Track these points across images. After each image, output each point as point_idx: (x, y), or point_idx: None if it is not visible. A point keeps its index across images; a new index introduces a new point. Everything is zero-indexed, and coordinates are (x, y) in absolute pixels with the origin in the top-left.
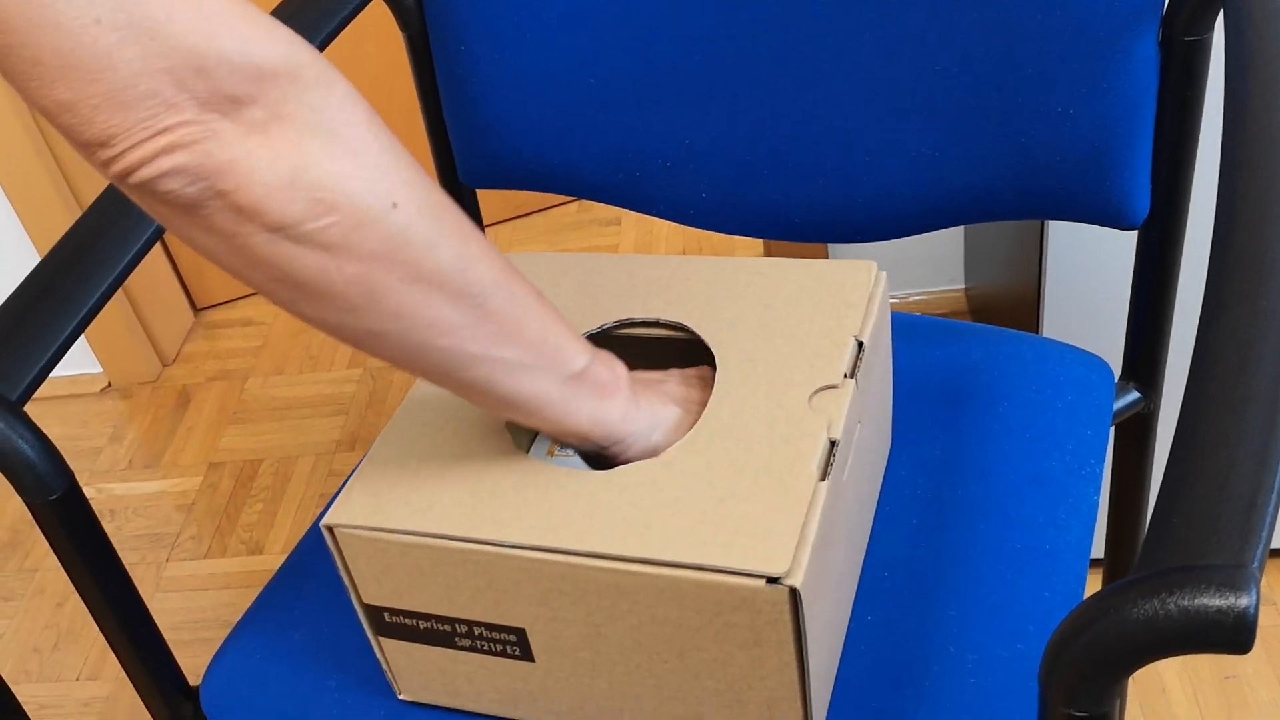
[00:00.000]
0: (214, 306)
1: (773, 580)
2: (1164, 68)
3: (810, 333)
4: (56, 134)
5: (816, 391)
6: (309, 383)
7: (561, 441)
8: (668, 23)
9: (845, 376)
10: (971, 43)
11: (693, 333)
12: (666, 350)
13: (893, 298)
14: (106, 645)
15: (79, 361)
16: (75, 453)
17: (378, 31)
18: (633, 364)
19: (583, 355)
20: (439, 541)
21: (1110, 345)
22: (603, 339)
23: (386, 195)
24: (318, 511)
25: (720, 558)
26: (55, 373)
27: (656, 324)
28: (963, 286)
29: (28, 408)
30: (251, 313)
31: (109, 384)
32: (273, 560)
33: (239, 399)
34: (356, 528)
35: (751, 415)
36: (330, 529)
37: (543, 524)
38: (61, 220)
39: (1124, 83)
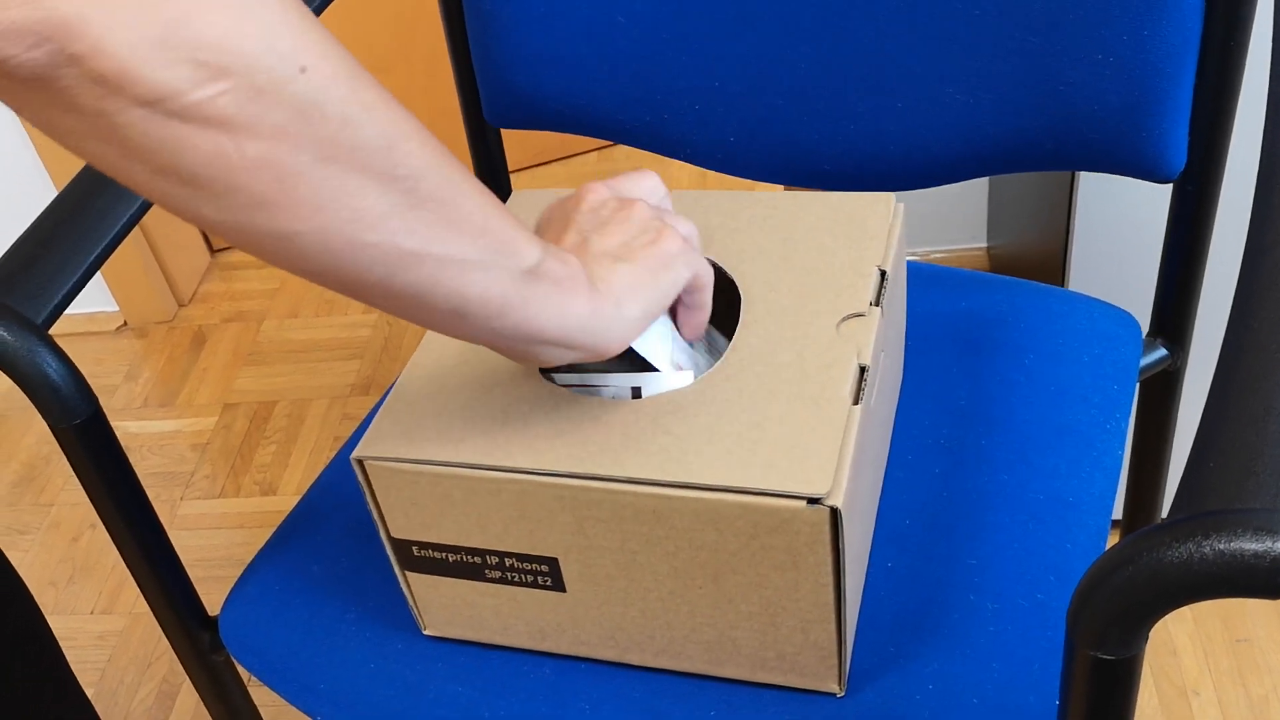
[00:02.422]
0: (231, 248)
1: (813, 501)
2: (1208, 16)
3: (833, 263)
4: None
5: (844, 319)
6: (324, 326)
7: (521, 357)
8: None
9: (871, 305)
10: None
11: (715, 264)
12: None
13: (913, 255)
14: (121, 580)
15: (95, 299)
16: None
17: None
18: None
19: (534, 248)
20: (472, 472)
21: (1136, 300)
22: None
23: (292, 56)
24: (332, 454)
25: (761, 480)
26: (72, 310)
27: None
28: (985, 245)
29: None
30: None
31: (125, 323)
32: (286, 501)
33: (254, 341)
34: (387, 459)
35: (780, 343)
36: (360, 461)
37: (579, 452)
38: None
39: (1167, 30)
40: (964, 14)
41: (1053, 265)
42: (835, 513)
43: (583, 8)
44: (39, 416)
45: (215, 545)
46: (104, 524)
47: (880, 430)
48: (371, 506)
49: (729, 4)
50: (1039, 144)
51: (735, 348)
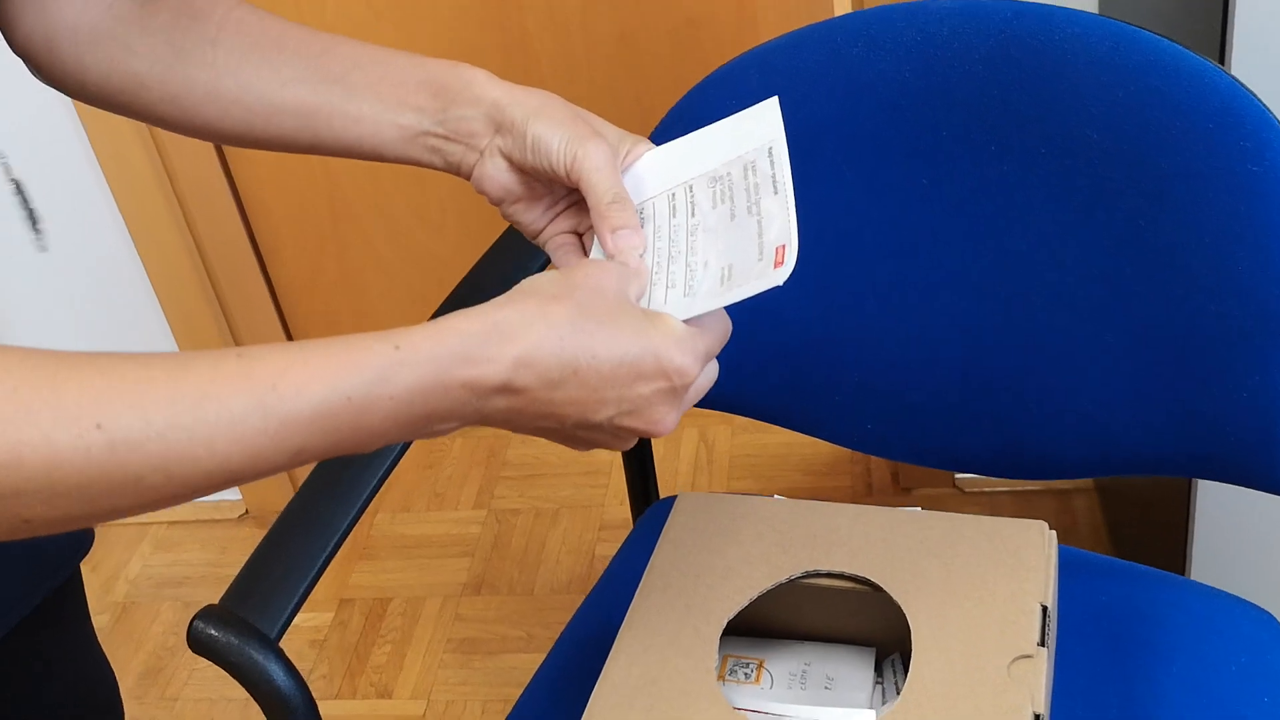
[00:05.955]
0: None
1: None
2: None
3: (996, 595)
4: (214, 262)
5: (1014, 660)
6: (435, 521)
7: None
8: (849, 275)
9: (1038, 645)
10: (1150, 316)
11: (879, 587)
12: (852, 602)
13: (1019, 487)
14: None
15: None
16: (215, 579)
17: None
18: (818, 617)
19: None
20: None
21: (1264, 581)
22: (789, 589)
23: (81, 421)
24: (445, 656)
25: None
26: (198, 500)
27: (841, 576)
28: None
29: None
30: None
31: (246, 511)
32: (401, 705)
33: (368, 534)
34: None
35: (955, 684)
36: None
37: None
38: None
39: None
40: (1102, 341)
41: (1172, 529)
42: None
43: (746, 315)
44: (166, 605)
45: None
46: None
47: None
48: None
49: (880, 313)
50: (1167, 456)
51: (911, 685)
